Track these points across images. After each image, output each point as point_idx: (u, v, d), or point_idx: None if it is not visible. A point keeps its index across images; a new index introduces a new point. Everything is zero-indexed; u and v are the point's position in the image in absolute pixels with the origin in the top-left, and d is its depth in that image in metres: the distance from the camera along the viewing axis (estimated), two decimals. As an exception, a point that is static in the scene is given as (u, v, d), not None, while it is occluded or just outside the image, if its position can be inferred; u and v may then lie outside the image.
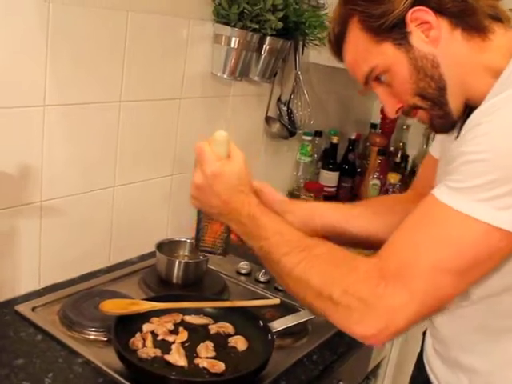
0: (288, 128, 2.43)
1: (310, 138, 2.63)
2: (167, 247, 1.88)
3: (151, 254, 1.96)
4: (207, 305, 1.57)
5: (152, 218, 2.03)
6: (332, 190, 2.73)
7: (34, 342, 1.46)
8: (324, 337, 1.65)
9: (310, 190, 2.52)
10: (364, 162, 2.94)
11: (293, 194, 2.65)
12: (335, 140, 2.75)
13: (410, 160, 2.98)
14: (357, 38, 1.17)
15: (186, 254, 1.92)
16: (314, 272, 1.10)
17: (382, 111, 2.92)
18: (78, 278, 1.79)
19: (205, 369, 1.36)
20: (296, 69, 2.37)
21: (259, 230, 1.19)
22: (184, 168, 2.06)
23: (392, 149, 2.95)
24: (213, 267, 1.92)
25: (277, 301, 1.61)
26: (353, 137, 2.87)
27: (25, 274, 1.66)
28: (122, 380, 1.34)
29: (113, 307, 1.46)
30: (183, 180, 2.06)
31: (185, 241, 1.93)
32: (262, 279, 1.92)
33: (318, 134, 2.70)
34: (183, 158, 2.05)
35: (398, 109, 1.22)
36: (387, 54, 1.14)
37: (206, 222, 1.33)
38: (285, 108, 2.43)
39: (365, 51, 1.17)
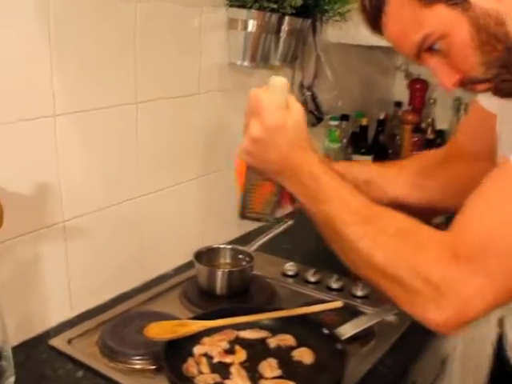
0: (315, 114, 2.26)
1: (336, 122, 2.46)
2: (206, 256, 1.71)
3: (188, 265, 1.80)
4: (262, 317, 1.41)
5: (183, 226, 1.86)
6: (367, 175, 2.55)
7: (76, 379, 1.30)
8: (393, 338, 1.48)
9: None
10: (395, 143, 2.77)
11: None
12: (365, 122, 2.58)
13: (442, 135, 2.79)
14: (401, 6, 0.99)
15: (228, 261, 1.75)
16: (379, 249, 0.97)
17: (410, 85, 2.77)
18: (112, 301, 1.63)
19: (273, 391, 1.20)
20: (316, 50, 2.20)
21: (320, 192, 1.06)
22: (211, 168, 1.90)
23: (423, 125, 2.77)
24: (256, 272, 1.74)
25: (339, 303, 1.44)
26: (381, 117, 2.70)
27: (55, 303, 1.50)
28: (181, 414, 1.18)
29: (159, 332, 1.30)
30: (212, 181, 1.91)
31: (224, 247, 1.77)
32: (311, 279, 1.75)
33: (344, 117, 2.53)
34: (209, 157, 1.89)
35: (457, 80, 1.04)
36: (441, 18, 0.97)
37: (254, 184, 1.17)
38: (309, 93, 2.26)
39: (413, 19, 0.99)
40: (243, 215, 1.22)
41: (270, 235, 1.79)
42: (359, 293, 1.66)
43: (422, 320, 0.93)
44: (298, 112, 1.09)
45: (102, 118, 1.51)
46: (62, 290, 1.51)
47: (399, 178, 1.40)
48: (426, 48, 1.01)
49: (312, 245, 2.06)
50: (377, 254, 0.96)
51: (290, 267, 1.80)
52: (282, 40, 1.95)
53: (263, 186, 1.18)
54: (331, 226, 1.04)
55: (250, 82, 1.99)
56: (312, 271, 1.76)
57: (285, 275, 1.80)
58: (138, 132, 1.62)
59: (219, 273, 1.63)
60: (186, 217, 1.87)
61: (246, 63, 1.85)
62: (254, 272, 1.72)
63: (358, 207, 1.03)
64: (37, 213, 1.41)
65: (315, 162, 1.08)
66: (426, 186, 1.37)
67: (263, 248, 1.82)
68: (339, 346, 1.29)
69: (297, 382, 1.21)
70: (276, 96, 1.08)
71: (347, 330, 1.37)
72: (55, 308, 1.50)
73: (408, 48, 1.03)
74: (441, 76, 1.05)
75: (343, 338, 1.34)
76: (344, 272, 1.74)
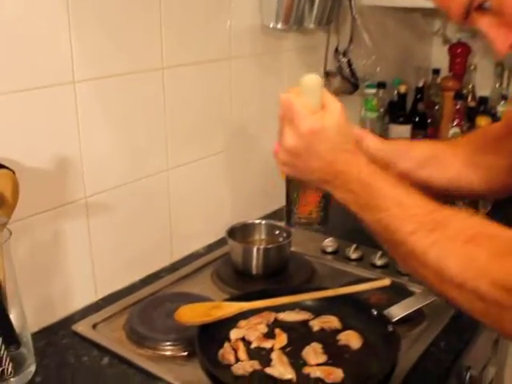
0: (351, 81, 2.12)
1: (374, 90, 2.33)
2: (240, 232, 1.59)
3: (219, 243, 1.70)
4: (303, 297, 1.28)
5: (214, 201, 1.74)
6: (406, 145, 2.40)
7: (101, 367, 1.20)
8: (444, 319, 1.35)
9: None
10: (434, 112, 2.62)
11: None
12: (403, 89, 2.43)
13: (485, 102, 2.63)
14: None
15: (263, 237, 1.63)
16: (451, 260, 0.83)
17: (451, 50, 2.62)
18: (140, 282, 1.52)
19: (319, 380, 1.08)
20: (352, 13, 2.05)
21: (374, 199, 0.92)
22: (243, 139, 1.78)
23: (464, 92, 2.62)
24: (293, 249, 1.62)
25: (387, 281, 1.31)
26: (420, 84, 2.55)
27: (78, 286, 1.39)
28: (218, 406, 1.07)
29: (192, 315, 1.18)
30: (244, 153, 1.79)
31: (259, 223, 1.65)
32: (353, 256, 1.63)
33: (381, 85, 2.39)
34: (241, 127, 1.77)
35: None
36: None
37: (299, 193, 1.04)
38: (344, 59, 2.11)
39: None
40: (289, 222, 1.11)
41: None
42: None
43: (506, 335, 0.85)
44: (336, 111, 0.96)
45: (125, 84, 1.39)
46: (85, 271, 1.40)
47: (455, 158, 1.27)
48: (476, 7, 0.90)
49: (351, 219, 1.94)
50: (448, 265, 0.83)
51: (329, 243, 1.68)
52: (316, 1, 1.81)
53: (309, 195, 1.06)
54: (391, 236, 0.90)
55: (283, 46, 1.87)
56: (353, 247, 1.64)
57: (324, 252, 1.68)
58: (165, 100, 1.50)
59: (255, 250, 1.51)
60: (217, 192, 1.75)
61: (279, 26, 1.72)
62: (292, 249, 1.60)
63: (421, 212, 0.89)
64: (57, 188, 1.30)
65: (364, 165, 0.95)
66: (483, 165, 1.24)
67: (300, 223, 1.70)
68: (390, 329, 1.17)
69: (344, 369, 1.09)
70: (309, 97, 0.95)
71: (398, 312, 1.25)
72: (78, 291, 1.39)
73: (455, 9, 0.91)
74: (494, 38, 0.92)
75: (394, 319, 1.21)
76: (388, 248, 1.63)
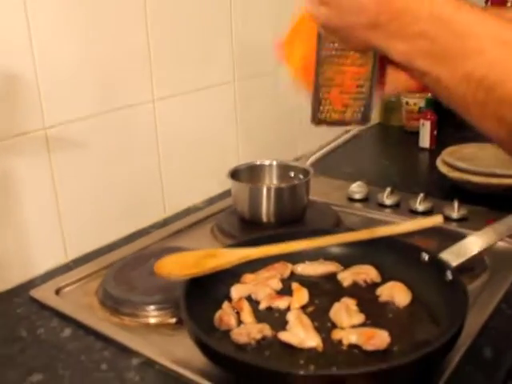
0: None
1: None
2: (245, 175, 1.29)
3: (222, 195, 1.41)
4: (328, 242, 0.97)
5: (216, 144, 1.43)
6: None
7: (60, 341, 0.90)
8: (512, 269, 1.04)
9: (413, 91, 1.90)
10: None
11: (388, 104, 2.04)
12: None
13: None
14: None
15: (274, 181, 1.32)
16: None
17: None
18: (124, 240, 1.22)
19: (355, 347, 0.77)
20: None
21: (459, 41, 0.58)
22: (251, 68, 1.48)
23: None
24: (313, 198, 1.30)
25: (439, 219, 0.99)
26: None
27: (41, 244, 1.09)
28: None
29: (178, 267, 0.87)
30: (254, 86, 1.50)
31: (270, 164, 1.33)
32: (387, 202, 1.32)
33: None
34: (252, 52, 1.46)
35: None
36: None
37: (333, 65, 0.70)
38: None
39: None
40: (317, 119, 0.74)
41: (332, 145, 1.35)
42: (455, 214, 1.22)
43: None
44: None
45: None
46: (49, 224, 1.11)
47: None
48: None
49: (382, 164, 1.64)
50: None
51: (357, 189, 1.37)
52: None
53: (347, 67, 0.71)
54: (489, 94, 0.56)
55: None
56: (387, 191, 1.32)
57: (351, 200, 1.37)
58: (147, 8, 1.19)
59: (264, 191, 1.20)
60: (220, 132, 1.44)
61: None
62: (312, 197, 1.28)
63: None
64: (5, 116, 1.00)
65: None
66: None
67: (322, 170, 1.39)
68: (450, 277, 0.85)
69: (391, 333, 0.78)
70: None
71: (455, 256, 0.93)
72: (42, 249, 1.10)
73: None
74: None
75: (454, 265, 0.90)
76: (430, 191, 1.33)
